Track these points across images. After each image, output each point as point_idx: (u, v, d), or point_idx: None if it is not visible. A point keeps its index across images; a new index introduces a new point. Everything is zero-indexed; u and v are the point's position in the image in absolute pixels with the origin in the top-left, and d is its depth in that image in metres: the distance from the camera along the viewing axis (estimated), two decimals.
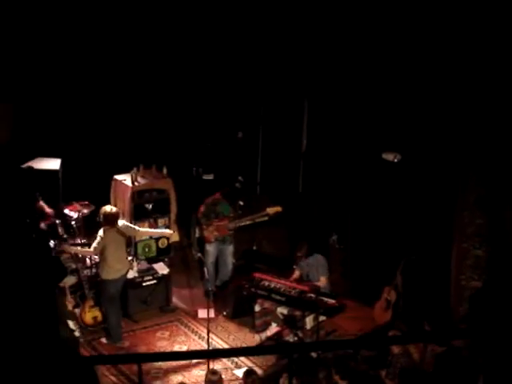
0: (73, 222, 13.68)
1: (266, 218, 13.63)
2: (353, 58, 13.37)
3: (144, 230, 12.96)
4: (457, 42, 11.46)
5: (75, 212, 13.72)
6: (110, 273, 12.17)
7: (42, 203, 13.58)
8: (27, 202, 13.26)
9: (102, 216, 12.32)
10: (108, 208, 12.38)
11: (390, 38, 12.51)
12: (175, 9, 14.86)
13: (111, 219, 12.24)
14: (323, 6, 13.35)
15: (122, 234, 12.34)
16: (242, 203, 13.86)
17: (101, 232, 12.20)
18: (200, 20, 14.93)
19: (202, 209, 13.45)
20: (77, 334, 11.77)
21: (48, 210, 13.64)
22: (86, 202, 13.94)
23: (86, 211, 13.78)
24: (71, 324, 11.74)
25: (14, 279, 12.04)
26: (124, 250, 12.46)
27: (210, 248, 13.42)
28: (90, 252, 12.49)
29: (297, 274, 12.72)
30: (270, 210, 13.24)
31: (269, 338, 12.34)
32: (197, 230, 13.88)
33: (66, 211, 13.73)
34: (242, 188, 14.62)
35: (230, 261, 13.59)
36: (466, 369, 10.52)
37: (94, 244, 12.18)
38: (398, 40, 12.36)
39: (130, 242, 13.18)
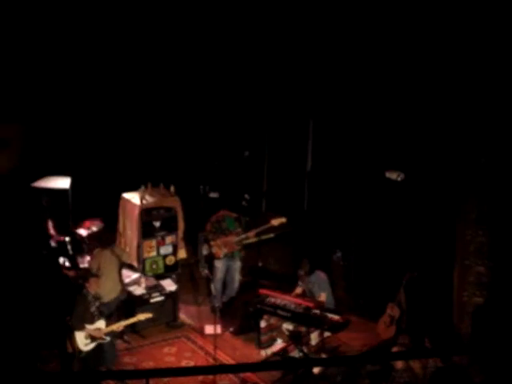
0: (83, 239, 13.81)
1: (272, 236, 13.71)
2: (357, 78, 13.51)
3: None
4: (457, 61, 11.58)
5: (85, 230, 13.83)
6: (106, 295, 12.18)
7: (49, 224, 13.70)
8: (38, 220, 13.38)
9: (96, 237, 12.56)
10: (102, 228, 12.50)
11: (392, 60, 12.64)
12: (184, 29, 14.99)
13: (107, 239, 12.41)
14: (328, 28, 13.50)
15: (116, 256, 12.42)
16: (247, 219, 13.95)
17: (96, 253, 12.34)
18: (209, 41, 15.06)
19: (209, 227, 13.58)
20: (86, 348, 11.62)
21: (52, 231, 13.74)
22: (97, 220, 14.04)
23: (95, 229, 13.88)
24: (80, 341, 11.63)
25: (24, 294, 12.22)
26: (117, 272, 12.52)
27: (219, 264, 13.54)
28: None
29: (299, 289, 12.80)
30: (275, 222, 13.31)
31: (274, 354, 12.39)
32: (204, 248, 13.95)
33: (76, 229, 13.85)
34: (248, 206, 14.71)
35: (237, 277, 13.70)
36: None
37: (91, 266, 12.35)
38: (400, 62, 12.49)
39: (139, 259, 13.31)
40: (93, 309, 11.71)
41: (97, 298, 11.81)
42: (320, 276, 12.70)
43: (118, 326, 11.83)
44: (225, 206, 13.75)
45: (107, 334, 11.69)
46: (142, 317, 12.15)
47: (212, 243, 13.54)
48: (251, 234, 13.55)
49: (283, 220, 13.34)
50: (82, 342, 11.56)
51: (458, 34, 11.46)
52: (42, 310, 12.34)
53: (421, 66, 12.17)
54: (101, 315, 11.72)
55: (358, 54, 13.26)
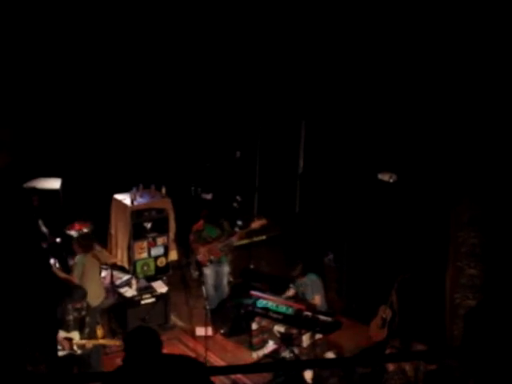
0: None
1: (264, 238, 13.72)
2: (349, 80, 13.50)
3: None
4: (448, 62, 11.57)
5: (75, 231, 13.81)
6: (89, 301, 11.89)
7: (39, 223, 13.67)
8: (29, 221, 13.34)
9: (78, 241, 12.24)
10: (84, 233, 12.33)
11: (383, 62, 12.63)
12: (176, 33, 14.98)
13: (88, 244, 12.19)
14: (319, 29, 13.47)
15: (97, 259, 12.31)
16: (240, 223, 13.95)
17: (78, 258, 12.13)
18: (200, 42, 15.06)
19: (191, 237, 13.55)
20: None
21: (44, 229, 13.72)
22: (87, 222, 14.02)
23: (86, 230, 13.86)
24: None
25: (14, 296, 12.15)
26: (99, 275, 12.42)
27: (208, 271, 13.48)
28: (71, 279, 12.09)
29: (291, 292, 12.81)
30: (255, 224, 13.28)
31: (266, 356, 12.41)
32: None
33: (67, 230, 13.83)
34: (240, 207, 14.74)
35: (225, 281, 13.68)
36: None
37: (75, 272, 12.04)
38: (391, 63, 12.47)
39: (130, 261, 13.31)
40: (69, 317, 11.46)
41: (77, 309, 11.48)
42: (313, 279, 12.70)
43: (88, 342, 11.43)
44: (202, 217, 13.59)
45: (78, 347, 11.41)
46: (111, 342, 11.96)
47: (196, 252, 13.51)
48: (234, 239, 13.48)
49: (264, 222, 13.30)
50: None
51: (448, 36, 11.47)
52: (32, 310, 12.27)
53: (412, 67, 12.15)
54: (80, 327, 11.44)
55: (350, 55, 13.26)
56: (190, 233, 13.76)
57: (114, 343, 11.96)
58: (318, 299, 12.55)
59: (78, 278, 12.07)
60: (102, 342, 11.60)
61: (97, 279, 12.29)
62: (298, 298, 12.65)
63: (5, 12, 13.55)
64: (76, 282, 12.07)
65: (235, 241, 13.49)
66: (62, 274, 12.11)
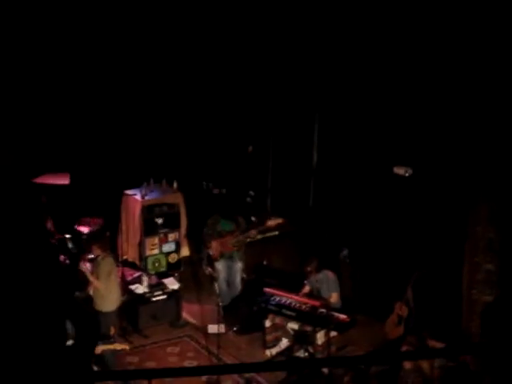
0: (83, 237, 13.71)
1: (277, 233, 13.62)
2: (364, 72, 13.46)
3: None
4: (467, 53, 11.45)
5: (85, 227, 13.75)
6: (114, 303, 11.96)
7: (48, 221, 13.63)
8: (38, 216, 13.33)
9: (95, 241, 12.12)
10: (98, 231, 12.28)
11: (401, 53, 12.56)
12: (186, 24, 14.96)
13: (106, 242, 12.16)
14: (334, 22, 13.45)
15: (114, 259, 12.25)
16: (254, 219, 13.88)
17: (102, 261, 11.96)
18: (212, 35, 15.03)
19: (205, 230, 13.53)
20: None
21: (51, 228, 13.63)
22: (98, 219, 13.96)
23: (97, 227, 13.80)
24: None
25: (24, 291, 12.13)
26: (117, 276, 12.33)
27: (219, 266, 13.46)
28: (97, 284, 11.87)
29: (307, 289, 12.67)
30: (271, 222, 13.23)
31: (279, 354, 12.31)
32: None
33: (76, 226, 13.76)
34: (253, 202, 14.66)
35: (238, 278, 13.61)
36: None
37: (102, 279, 11.86)
38: (409, 54, 12.40)
39: (141, 257, 13.26)
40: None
41: None
42: (329, 276, 12.59)
43: (99, 348, 11.39)
44: (217, 211, 13.63)
45: None
46: (118, 347, 11.69)
47: (208, 245, 13.45)
48: (249, 234, 13.42)
49: (280, 221, 13.24)
50: None
51: (466, 27, 11.37)
52: (42, 307, 12.24)
53: (430, 58, 12.06)
54: None
55: (365, 46, 13.21)
56: (202, 228, 13.65)
57: (124, 348, 11.79)
58: (334, 297, 12.47)
59: (102, 280, 11.86)
60: (111, 347, 11.52)
61: (117, 280, 12.19)
62: (312, 295, 12.52)
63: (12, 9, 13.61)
64: (100, 285, 11.87)
65: (249, 237, 13.41)
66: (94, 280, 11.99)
